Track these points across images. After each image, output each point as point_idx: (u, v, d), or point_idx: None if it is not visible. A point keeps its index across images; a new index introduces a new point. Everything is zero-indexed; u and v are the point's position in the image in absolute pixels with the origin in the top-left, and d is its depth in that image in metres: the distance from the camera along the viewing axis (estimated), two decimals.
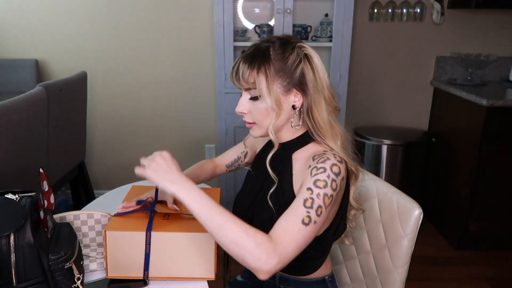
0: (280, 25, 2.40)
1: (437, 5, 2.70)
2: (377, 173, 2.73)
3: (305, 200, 0.90)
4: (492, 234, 2.55)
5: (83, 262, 0.99)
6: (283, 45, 1.01)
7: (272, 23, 2.60)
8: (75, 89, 2.31)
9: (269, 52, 1.00)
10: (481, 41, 2.83)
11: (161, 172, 0.92)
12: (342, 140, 1.03)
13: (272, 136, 1.03)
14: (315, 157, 0.98)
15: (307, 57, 1.01)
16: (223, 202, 1.14)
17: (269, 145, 1.17)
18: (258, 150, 1.27)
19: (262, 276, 0.86)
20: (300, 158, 1.05)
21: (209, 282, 1.04)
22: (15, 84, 2.66)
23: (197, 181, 1.30)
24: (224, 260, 1.51)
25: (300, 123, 1.05)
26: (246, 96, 1.05)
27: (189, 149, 2.95)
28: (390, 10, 2.74)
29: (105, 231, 0.99)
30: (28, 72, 2.67)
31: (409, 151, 2.68)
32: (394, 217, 1.15)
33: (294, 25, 2.48)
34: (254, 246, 0.84)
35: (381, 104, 2.96)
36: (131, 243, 1.01)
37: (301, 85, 1.01)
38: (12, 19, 2.67)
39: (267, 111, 1.01)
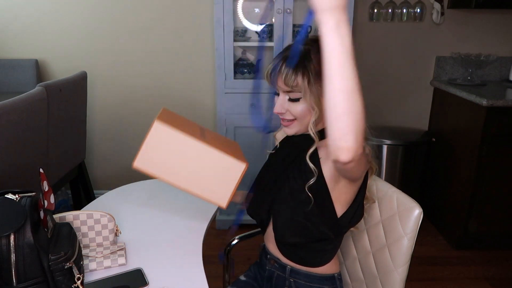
0: (280, 25, 2.40)
1: (437, 5, 2.70)
2: (377, 173, 2.72)
3: None
4: (492, 234, 2.55)
5: (83, 262, 0.99)
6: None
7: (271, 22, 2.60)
8: (75, 89, 2.31)
9: (310, 56, 1.02)
10: (481, 41, 2.83)
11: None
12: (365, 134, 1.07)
13: (312, 133, 1.05)
14: None
15: None
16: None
17: (287, 139, 1.21)
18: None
19: (344, 156, 0.77)
20: (324, 145, 1.06)
21: (209, 282, 1.04)
22: (15, 84, 2.66)
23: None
24: (224, 260, 1.51)
25: None
26: (284, 97, 1.07)
27: None
28: (390, 10, 2.74)
29: (155, 120, 1.00)
30: (28, 72, 2.67)
31: (409, 151, 2.68)
32: (394, 217, 1.15)
33: (294, 25, 2.48)
34: (363, 128, 0.76)
35: (381, 104, 2.96)
36: (176, 145, 1.03)
37: None
38: (12, 19, 2.67)
39: (308, 110, 1.04)
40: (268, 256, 1.25)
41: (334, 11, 0.68)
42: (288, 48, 1.07)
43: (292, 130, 1.10)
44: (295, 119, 1.07)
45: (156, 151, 1.04)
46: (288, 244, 1.15)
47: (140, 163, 1.05)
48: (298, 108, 1.05)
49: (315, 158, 1.09)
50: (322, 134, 1.10)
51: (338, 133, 0.75)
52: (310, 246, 1.04)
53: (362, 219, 1.27)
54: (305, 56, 1.02)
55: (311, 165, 1.07)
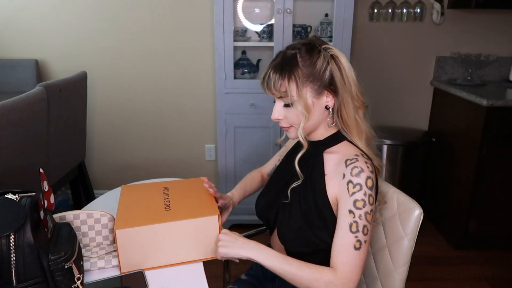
0: (280, 25, 2.40)
1: (437, 5, 2.70)
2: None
3: (350, 225, 0.98)
4: (492, 234, 2.55)
5: (83, 262, 0.99)
6: (309, 50, 1.04)
7: (272, 22, 2.60)
8: (75, 89, 2.31)
9: (297, 59, 1.03)
10: (481, 41, 2.83)
11: (230, 246, 1.05)
12: (366, 136, 1.09)
13: (301, 138, 1.06)
14: (348, 163, 1.02)
15: (333, 58, 1.04)
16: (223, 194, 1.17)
17: (299, 144, 1.20)
18: (287, 148, 1.32)
19: None
20: (332, 159, 1.08)
21: (209, 282, 1.04)
22: (15, 84, 2.66)
23: (246, 192, 1.39)
24: (224, 260, 1.51)
25: (334, 122, 1.09)
26: (279, 103, 1.08)
27: (189, 149, 2.95)
28: (390, 10, 2.74)
29: (114, 230, 1.03)
30: (28, 72, 2.67)
31: (409, 151, 2.68)
32: (394, 217, 1.15)
33: (294, 25, 2.48)
34: (325, 287, 0.97)
35: (381, 104, 2.96)
36: (146, 236, 1.06)
37: (331, 86, 1.04)
38: (12, 19, 2.67)
39: (302, 115, 1.04)
40: None
41: (245, 250, 1.04)
42: (279, 55, 1.07)
43: (292, 134, 1.11)
44: (290, 126, 1.09)
45: (132, 251, 1.06)
46: (295, 252, 1.15)
47: (126, 268, 1.07)
48: (293, 113, 1.05)
49: (319, 170, 1.09)
50: (329, 139, 1.11)
51: None
52: (317, 253, 1.06)
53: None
54: (291, 61, 1.02)
55: (298, 170, 1.09)
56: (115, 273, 1.07)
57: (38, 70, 2.71)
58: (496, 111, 2.28)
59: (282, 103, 1.07)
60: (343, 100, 1.04)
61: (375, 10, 2.74)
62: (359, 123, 1.08)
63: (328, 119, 1.08)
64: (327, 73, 1.02)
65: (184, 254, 1.10)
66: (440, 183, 2.80)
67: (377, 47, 2.83)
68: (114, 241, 1.05)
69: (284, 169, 1.24)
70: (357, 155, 1.03)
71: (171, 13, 2.70)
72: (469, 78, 2.76)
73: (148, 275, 1.06)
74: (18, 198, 0.88)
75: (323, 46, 1.05)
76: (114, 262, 1.09)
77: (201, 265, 1.11)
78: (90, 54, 2.75)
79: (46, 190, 0.90)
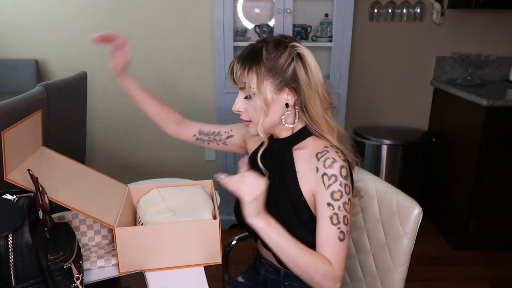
0: (280, 25, 2.40)
1: (437, 5, 2.70)
2: (377, 173, 2.72)
3: (331, 218, 0.97)
4: (492, 234, 2.55)
5: (82, 262, 0.99)
6: (276, 45, 1.03)
7: (272, 23, 2.59)
8: (75, 89, 2.31)
9: (262, 52, 1.02)
10: (481, 41, 2.83)
11: (248, 203, 0.91)
12: (338, 133, 1.07)
13: (260, 133, 1.05)
14: (319, 156, 1.01)
15: (299, 56, 1.02)
16: (223, 197, 1.16)
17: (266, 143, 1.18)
18: (248, 144, 1.28)
19: None
20: (301, 155, 1.06)
21: (209, 282, 1.04)
22: (15, 84, 2.66)
23: (141, 90, 1.42)
24: (223, 261, 1.51)
25: (297, 121, 1.07)
26: (241, 95, 1.07)
27: (189, 149, 2.95)
28: (390, 10, 2.74)
29: (113, 228, 1.03)
30: (28, 72, 2.67)
31: (409, 151, 2.68)
32: (394, 216, 1.15)
33: (294, 25, 2.48)
34: (321, 276, 0.95)
35: (381, 104, 2.96)
36: (141, 237, 1.05)
37: (293, 83, 1.02)
38: (12, 19, 2.67)
39: (260, 109, 1.03)
40: (262, 260, 1.24)
41: (257, 217, 0.92)
42: (248, 47, 1.07)
43: (252, 130, 1.09)
44: (250, 120, 1.07)
45: (131, 250, 1.06)
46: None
47: (125, 267, 1.07)
48: (253, 106, 1.04)
49: (291, 168, 1.07)
50: (295, 136, 1.08)
51: (309, 284, 0.99)
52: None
53: (361, 218, 1.27)
54: (257, 53, 1.02)
55: (260, 165, 1.08)
56: (115, 272, 1.07)
57: (38, 70, 2.71)
58: (496, 111, 2.27)
59: (243, 95, 1.06)
60: (309, 99, 1.02)
61: (375, 10, 2.74)
62: (328, 121, 1.05)
63: (283, 117, 1.05)
64: (290, 70, 1.01)
65: (184, 257, 1.09)
66: (440, 183, 2.80)
67: (377, 47, 2.83)
68: (113, 240, 1.05)
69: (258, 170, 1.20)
70: (326, 147, 1.02)
71: (171, 13, 2.70)
72: (469, 78, 2.76)
73: (148, 275, 1.06)
74: (16, 199, 0.88)
75: (291, 43, 1.03)
76: (114, 261, 1.10)
77: (201, 266, 1.11)
78: (90, 54, 2.75)
79: (40, 190, 0.90)
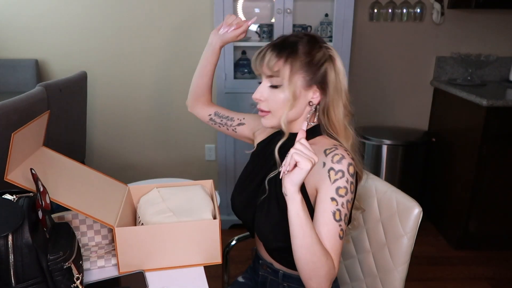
0: (280, 25, 2.40)
1: (437, 5, 2.70)
2: (377, 173, 2.72)
3: (334, 213, 0.95)
4: (492, 234, 2.55)
5: (82, 262, 0.99)
6: (311, 42, 1.03)
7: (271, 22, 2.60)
8: (75, 89, 2.31)
9: (298, 46, 1.02)
10: (481, 41, 2.83)
11: (299, 171, 0.87)
12: (353, 142, 1.06)
13: (283, 126, 1.04)
14: (327, 152, 1.00)
15: (331, 58, 1.03)
16: (223, 197, 1.16)
17: (276, 136, 1.17)
18: (257, 138, 1.28)
19: None
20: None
21: (209, 282, 1.04)
22: (15, 84, 2.66)
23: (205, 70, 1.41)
24: (223, 261, 1.51)
25: (315, 121, 1.07)
26: (266, 83, 1.05)
27: (189, 149, 2.95)
28: (390, 10, 2.74)
29: (113, 228, 1.03)
30: (28, 72, 2.67)
31: (409, 151, 2.68)
32: (394, 216, 1.15)
33: (294, 25, 2.48)
34: (327, 270, 0.93)
35: (381, 104, 2.96)
36: (140, 237, 1.05)
37: (322, 84, 1.03)
38: (12, 19, 2.67)
39: (284, 101, 1.03)
40: (261, 261, 1.23)
41: (298, 189, 0.89)
42: (280, 37, 1.06)
43: (267, 121, 1.07)
44: (269, 111, 1.05)
45: (131, 250, 1.06)
46: (275, 249, 1.13)
47: (125, 267, 1.07)
48: (277, 96, 1.03)
49: None
50: (309, 133, 1.06)
51: (305, 277, 0.94)
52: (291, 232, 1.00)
53: (361, 217, 1.27)
54: (292, 46, 1.02)
55: (277, 157, 1.06)
56: (115, 272, 1.07)
57: (38, 70, 2.71)
58: (496, 111, 2.27)
59: (269, 84, 1.04)
60: (333, 102, 1.03)
61: (375, 10, 2.74)
62: (347, 128, 1.06)
63: (309, 115, 1.06)
64: (322, 69, 1.02)
65: (184, 257, 1.09)
66: (440, 183, 2.80)
67: (377, 47, 2.83)
68: (113, 240, 1.05)
69: (258, 164, 1.19)
70: (335, 145, 1.02)
71: (171, 13, 2.70)
72: (469, 78, 2.76)
73: (148, 275, 1.06)
74: (16, 199, 0.88)
75: (324, 44, 1.05)
76: (114, 261, 1.09)
77: (201, 266, 1.11)
78: (90, 54, 2.75)
79: (41, 190, 0.90)
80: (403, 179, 2.73)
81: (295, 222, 0.91)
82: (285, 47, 1.02)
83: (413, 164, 2.72)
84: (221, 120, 1.37)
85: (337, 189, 0.95)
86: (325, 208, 0.96)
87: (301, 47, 1.02)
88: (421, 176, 2.78)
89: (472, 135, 2.40)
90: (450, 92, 2.66)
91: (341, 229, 0.95)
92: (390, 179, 2.69)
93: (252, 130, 1.31)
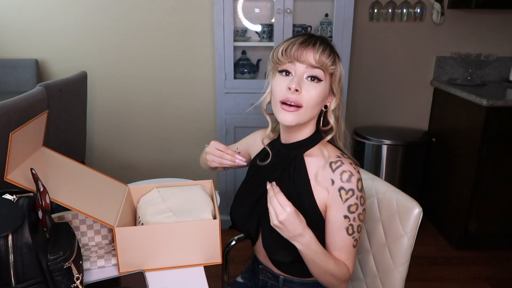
0: (280, 25, 2.40)
1: (437, 5, 2.70)
2: (377, 173, 2.72)
3: (347, 229, 1.01)
4: (492, 234, 2.55)
5: (82, 262, 0.99)
6: (334, 47, 1.04)
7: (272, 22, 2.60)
8: (75, 89, 2.31)
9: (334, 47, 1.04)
10: (481, 41, 2.83)
11: (287, 230, 0.92)
12: (344, 138, 1.09)
13: (331, 121, 1.05)
14: (333, 166, 1.01)
15: (340, 61, 1.05)
16: (223, 197, 1.16)
17: (271, 149, 1.16)
18: (252, 153, 1.26)
19: None
20: (313, 162, 1.06)
21: (209, 282, 1.04)
22: (15, 84, 2.66)
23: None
24: (223, 261, 1.51)
25: (332, 125, 1.07)
26: (302, 76, 0.99)
27: (189, 149, 2.95)
28: (390, 10, 2.74)
29: (113, 228, 1.03)
30: (28, 72, 2.67)
31: (409, 151, 2.68)
32: (394, 216, 1.15)
33: (294, 25, 2.48)
34: (341, 281, 1.03)
35: (381, 104, 2.96)
36: (140, 237, 1.05)
37: (338, 88, 1.04)
38: (12, 19, 2.67)
39: (322, 97, 1.01)
40: (260, 266, 1.22)
41: (297, 238, 0.93)
42: (311, 34, 1.04)
43: (293, 118, 0.99)
44: (301, 106, 0.98)
45: (131, 250, 1.06)
46: (279, 260, 1.12)
47: (125, 267, 1.07)
48: (316, 90, 0.98)
49: (303, 174, 1.05)
50: (306, 142, 1.07)
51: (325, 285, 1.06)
52: (302, 263, 1.01)
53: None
54: (333, 45, 1.03)
55: (266, 147, 1.13)
56: (115, 272, 1.07)
57: (38, 70, 2.71)
58: (496, 111, 2.27)
59: (306, 75, 0.99)
60: (341, 107, 1.05)
61: (375, 10, 2.74)
62: (346, 131, 1.09)
63: (322, 119, 1.06)
64: (338, 72, 1.03)
65: (184, 257, 1.09)
66: (440, 183, 2.80)
67: (377, 47, 2.83)
68: (113, 240, 1.05)
69: (259, 177, 1.16)
70: (339, 157, 1.03)
71: (171, 13, 2.70)
72: (469, 78, 2.76)
73: (148, 275, 1.06)
74: (16, 199, 0.88)
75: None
76: (114, 261, 1.09)
77: (201, 266, 1.11)
78: (90, 54, 2.75)
79: (41, 190, 0.90)
80: (403, 179, 2.73)
81: (308, 258, 0.98)
82: (332, 45, 1.02)
83: (413, 164, 2.72)
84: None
85: (349, 207, 1.00)
86: (340, 226, 1.01)
87: (336, 50, 1.03)
88: (421, 176, 2.78)
89: (472, 135, 2.40)
90: (450, 92, 2.66)
91: (355, 239, 1.03)
92: (390, 179, 2.70)
93: (247, 151, 1.30)
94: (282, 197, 0.90)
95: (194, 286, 1.03)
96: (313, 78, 0.99)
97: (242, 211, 1.17)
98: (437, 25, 2.78)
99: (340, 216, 1.01)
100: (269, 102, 1.07)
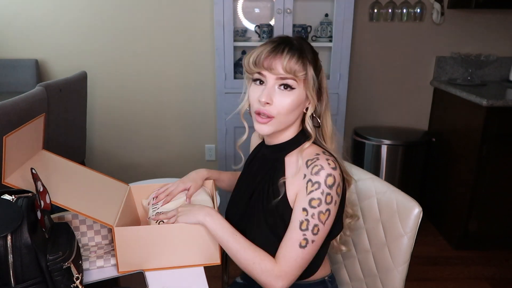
0: (280, 25, 2.40)
1: (437, 5, 2.70)
2: (377, 173, 2.72)
3: (301, 223, 0.95)
4: (492, 234, 2.55)
5: (81, 262, 0.99)
6: (311, 47, 1.03)
7: (272, 23, 2.59)
8: (75, 89, 2.31)
9: (307, 49, 1.01)
10: (481, 41, 2.83)
11: (187, 213, 1.06)
12: (336, 140, 1.07)
13: (309, 127, 1.03)
14: (309, 163, 0.98)
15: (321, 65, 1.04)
16: (223, 197, 1.16)
17: (258, 151, 1.18)
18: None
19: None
20: (293, 162, 1.04)
21: (209, 282, 1.04)
22: (15, 84, 2.66)
23: (219, 182, 1.38)
24: (222, 261, 1.51)
25: (310, 130, 1.05)
26: (274, 86, 0.99)
27: (189, 149, 2.95)
28: (390, 10, 2.74)
29: (113, 228, 1.03)
30: (28, 72, 2.67)
31: (409, 151, 2.68)
32: (394, 216, 1.15)
33: (294, 25, 2.48)
34: (259, 272, 0.97)
35: (381, 104, 2.95)
36: (140, 237, 1.05)
37: (319, 90, 1.03)
38: (12, 19, 2.67)
39: (297, 104, 1.00)
40: None
41: (196, 216, 1.04)
42: (283, 38, 1.02)
43: (268, 128, 1.01)
44: (273, 117, 0.99)
45: (130, 250, 1.05)
46: None
47: (124, 267, 1.06)
48: (289, 99, 0.98)
49: (281, 175, 1.03)
50: (290, 143, 1.06)
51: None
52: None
53: (361, 217, 1.27)
54: (305, 48, 1.00)
55: (239, 152, 1.16)
56: (114, 272, 1.07)
57: (38, 70, 2.71)
58: (496, 111, 2.27)
59: (281, 84, 0.98)
60: (326, 108, 1.04)
61: (375, 10, 2.74)
62: (334, 131, 1.07)
63: (309, 124, 1.03)
64: (309, 77, 0.99)
65: (183, 258, 1.09)
66: (440, 183, 2.80)
67: (377, 47, 2.83)
68: (112, 240, 1.05)
69: (247, 179, 1.18)
70: (318, 154, 0.99)
71: (171, 13, 2.70)
72: (469, 78, 2.76)
73: (148, 275, 1.06)
74: (15, 199, 0.88)
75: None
76: (113, 261, 1.09)
77: (201, 267, 1.11)
78: (90, 54, 2.75)
79: (41, 190, 0.90)
80: (403, 179, 2.73)
81: (216, 236, 1.03)
82: (300, 49, 0.99)
83: (413, 164, 2.72)
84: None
85: (311, 200, 0.95)
86: (295, 217, 0.97)
87: (309, 51, 1.00)
88: (421, 176, 2.78)
89: (472, 135, 2.40)
90: (450, 92, 2.66)
91: (305, 239, 0.95)
92: (390, 179, 2.69)
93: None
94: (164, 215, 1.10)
95: (194, 286, 1.03)
96: (286, 86, 0.98)
97: (236, 210, 1.17)
98: (437, 25, 2.78)
99: (299, 208, 0.96)
100: (248, 109, 1.09)
